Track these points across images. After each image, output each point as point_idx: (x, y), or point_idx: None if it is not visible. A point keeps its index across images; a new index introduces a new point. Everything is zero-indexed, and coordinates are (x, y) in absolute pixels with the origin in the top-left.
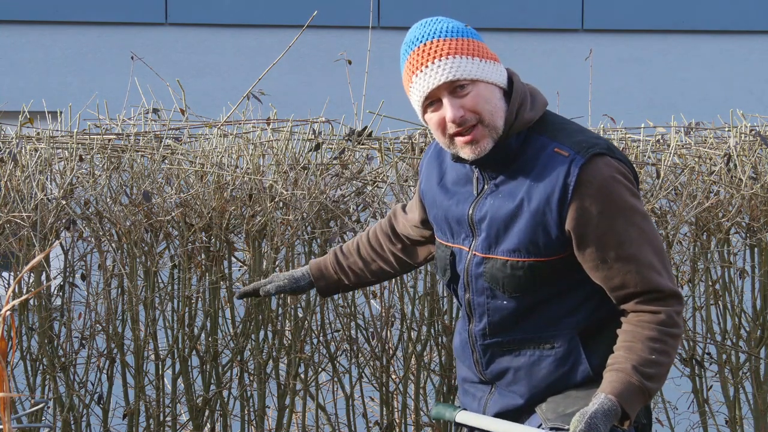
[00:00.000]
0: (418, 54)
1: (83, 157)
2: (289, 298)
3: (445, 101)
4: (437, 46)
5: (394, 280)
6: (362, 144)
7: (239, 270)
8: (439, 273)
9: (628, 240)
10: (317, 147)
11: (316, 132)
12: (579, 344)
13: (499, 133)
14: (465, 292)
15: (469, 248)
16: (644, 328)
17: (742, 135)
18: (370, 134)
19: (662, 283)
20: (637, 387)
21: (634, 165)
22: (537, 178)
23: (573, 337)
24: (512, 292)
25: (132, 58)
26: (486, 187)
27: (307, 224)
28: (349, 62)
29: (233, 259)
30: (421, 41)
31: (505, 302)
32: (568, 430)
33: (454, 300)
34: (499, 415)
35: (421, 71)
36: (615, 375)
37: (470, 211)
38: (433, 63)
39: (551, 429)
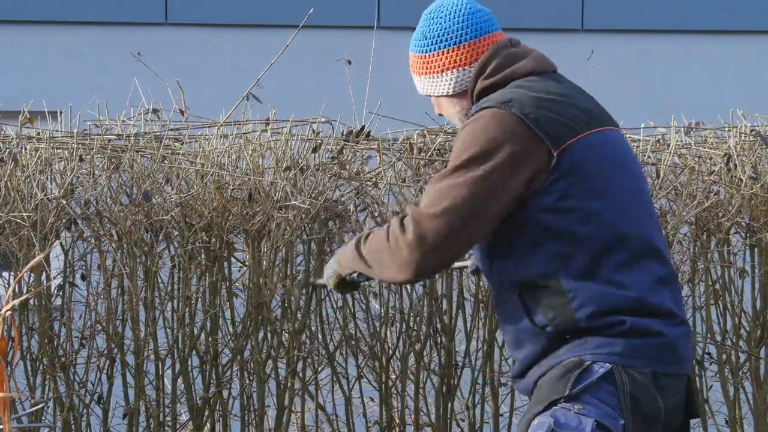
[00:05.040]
0: (412, 63)
1: (83, 157)
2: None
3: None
4: (414, 63)
5: None
6: (361, 143)
7: (239, 270)
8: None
9: (439, 180)
10: (315, 150)
11: (316, 132)
12: (518, 301)
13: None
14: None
15: None
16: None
17: (742, 135)
18: (368, 135)
19: (408, 210)
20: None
21: None
22: None
23: (514, 292)
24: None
25: (139, 53)
26: None
27: (306, 224)
28: (349, 62)
29: (233, 259)
30: (411, 50)
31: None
32: None
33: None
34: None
35: None
36: None
37: None
38: (415, 75)
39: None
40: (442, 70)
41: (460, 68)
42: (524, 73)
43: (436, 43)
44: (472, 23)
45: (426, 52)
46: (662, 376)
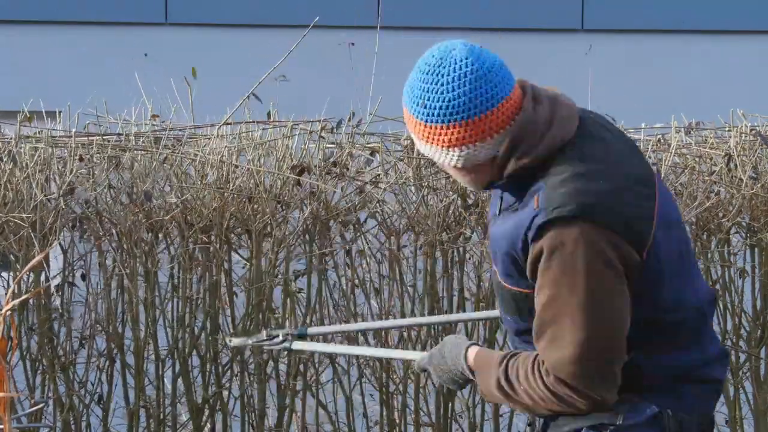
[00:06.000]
0: (406, 118)
1: (83, 156)
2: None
3: None
4: (411, 122)
5: (394, 279)
6: (360, 133)
7: (243, 267)
8: None
9: (555, 306)
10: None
11: (320, 127)
12: None
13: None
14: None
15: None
16: (529, 358)
17: (743, 135)
18: (349, 119)
19: (561, 366)
20: (497, 365)
21: None
22: (518, 215)
23: None
24: (507, 311)
25: (146, 54)
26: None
27: (307, 224)
28: (352, 44)
29: (236, 257)
30: (408, 105)
31: (509, 318)
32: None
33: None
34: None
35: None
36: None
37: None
38: (412, 133)
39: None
40: (448, 146)
41: (470, 144)
42: (560, 144)
43: (439, 116)
44: (484, 92)
45: (427, 122)
46: (705, 415)
